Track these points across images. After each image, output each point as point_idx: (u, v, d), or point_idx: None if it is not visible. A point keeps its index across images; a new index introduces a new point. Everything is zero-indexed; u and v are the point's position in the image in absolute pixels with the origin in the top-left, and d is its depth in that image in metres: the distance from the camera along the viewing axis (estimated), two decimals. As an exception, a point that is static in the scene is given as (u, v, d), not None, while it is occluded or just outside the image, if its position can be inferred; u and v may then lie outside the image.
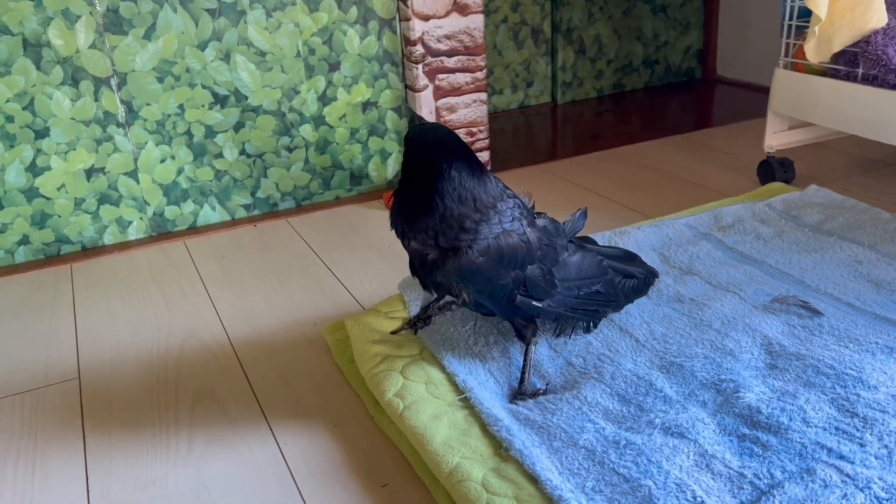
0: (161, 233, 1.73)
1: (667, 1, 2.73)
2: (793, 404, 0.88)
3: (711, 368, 0.98)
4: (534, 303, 0.96)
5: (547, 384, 1.00)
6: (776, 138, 1.73)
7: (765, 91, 2.65)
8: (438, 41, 1.77)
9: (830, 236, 1.32)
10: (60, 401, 1.13)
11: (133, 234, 1.70)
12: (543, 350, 1.07)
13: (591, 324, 1.08)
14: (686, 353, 1.02)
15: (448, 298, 1.15)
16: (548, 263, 0.98)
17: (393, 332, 1.12)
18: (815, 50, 1.54)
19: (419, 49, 1.76)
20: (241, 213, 1.79)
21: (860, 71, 1.50)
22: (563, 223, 1.09)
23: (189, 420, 1.06)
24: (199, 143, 1.69)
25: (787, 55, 1.67)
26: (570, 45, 2.62)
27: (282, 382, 1.13)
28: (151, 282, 1.50)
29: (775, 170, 1.72)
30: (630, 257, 1.14)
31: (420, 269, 0.99)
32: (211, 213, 1.76)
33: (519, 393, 0.97)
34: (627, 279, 1.08)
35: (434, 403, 0.96)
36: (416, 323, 1.13)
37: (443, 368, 1.03)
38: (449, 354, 1.05)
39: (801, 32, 1.66)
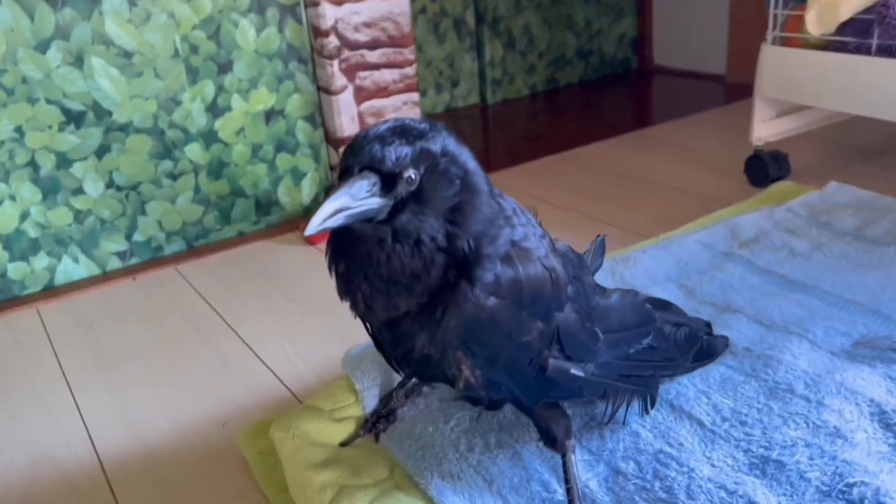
0: (5, 299, 1.29)
1: (596, -15, 2.46)
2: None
3: (824, 463, 0.67)
4: (573, 371, 0.63)
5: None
6: (765, 128, 1.47)
7: (709, 79, 2.43)
8: (356, 30, 1.41)
9: (883, 245, 1.05)
10: None
11: (-37, 303, 1.26)
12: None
13: (649, 399, 0.74)
14: (777, 439, 0.71)
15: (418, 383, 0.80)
16: (583, 305, 0.65)
17: (344, 444, 0.76)
18: (816, 20, 1.28)
19: (333, 41, 1.39)
20: (115, 264, 1.37)
21: (875, 42, 1.25)
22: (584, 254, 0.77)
23: None
24: (50, 177, 1.27)
25: (775, 29, 1.40)
26: (497, 37, 2.31)
27: (180, 531, 0.75)
28: (-13, 373, 1.08)
29: (768, 165, 1.45)
30: (664, 305, 0.83)
31: (390, 335, 0.61)
32: (73, 268, 1.33)
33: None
34: (679, 327, 0.76)
35: (428, 570, 0.61)
36: (377, 422, 0.78)
37: (430, 501, 0.67)
38: (435, 474, 0.70)
39: (790, 1, 1.40)
